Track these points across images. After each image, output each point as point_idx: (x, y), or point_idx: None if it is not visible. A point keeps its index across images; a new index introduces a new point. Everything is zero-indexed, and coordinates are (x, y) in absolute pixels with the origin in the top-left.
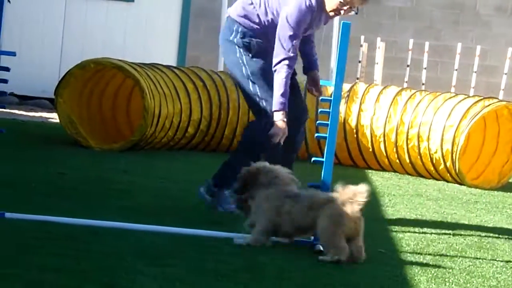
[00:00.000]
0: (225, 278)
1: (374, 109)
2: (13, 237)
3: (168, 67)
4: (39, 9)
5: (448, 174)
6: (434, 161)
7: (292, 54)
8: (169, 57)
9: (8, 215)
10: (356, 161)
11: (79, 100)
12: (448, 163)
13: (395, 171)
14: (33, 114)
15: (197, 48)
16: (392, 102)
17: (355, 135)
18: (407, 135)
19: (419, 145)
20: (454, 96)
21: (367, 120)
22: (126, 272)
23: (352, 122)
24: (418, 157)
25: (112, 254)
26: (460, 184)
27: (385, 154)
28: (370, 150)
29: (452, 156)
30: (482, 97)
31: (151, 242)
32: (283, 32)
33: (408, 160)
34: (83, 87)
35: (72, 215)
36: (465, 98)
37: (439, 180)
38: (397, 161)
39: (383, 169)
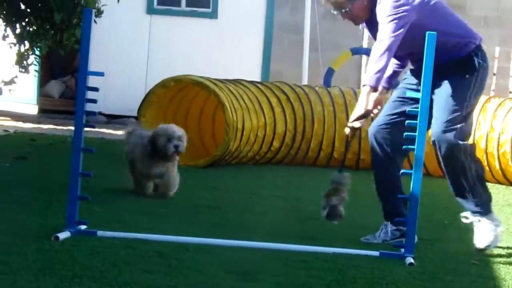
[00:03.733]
0: None
1: None
2: (105, 255)
3: (251, 82)
4: (124, 28)
5: None
6: None
7: None
8: (253, 72)
9: (100, 233)
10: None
11: (164, 119)
12: None
13: None
14: (121, 133)
15: (280, 62)
16: (481, 110)
17: None
18: (498, 141)
19: None
20: None
21: None
22: None
23: None
24: (510, 162)
25: (202, 270)
26: None
27: None
28: None
29: None
30: None
31: (241, 258)
32: None
33: (498, 167)
34: (167, 106)
35: (161, 232)
36: None
37: None
38: (487, 168)
39: None
